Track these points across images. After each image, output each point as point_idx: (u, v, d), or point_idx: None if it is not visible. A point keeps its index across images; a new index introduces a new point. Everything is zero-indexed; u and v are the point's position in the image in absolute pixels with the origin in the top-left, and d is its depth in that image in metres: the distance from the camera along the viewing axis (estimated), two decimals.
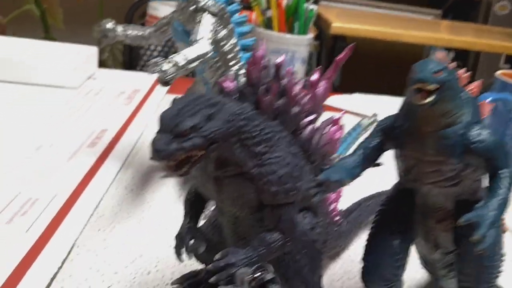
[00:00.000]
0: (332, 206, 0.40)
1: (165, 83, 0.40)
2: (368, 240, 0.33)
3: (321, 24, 1.49)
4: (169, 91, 0.88)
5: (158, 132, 0.24)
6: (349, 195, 0.50)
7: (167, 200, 0.53)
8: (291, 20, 0.93)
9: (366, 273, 0.32)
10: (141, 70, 1.20)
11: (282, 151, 0.28)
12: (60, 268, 0.40)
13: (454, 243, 0.31)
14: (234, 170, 0.27)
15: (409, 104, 0.28)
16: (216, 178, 0.28)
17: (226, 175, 0.28)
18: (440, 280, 0.39)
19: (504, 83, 0.63)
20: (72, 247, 0.42)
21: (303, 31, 0.94)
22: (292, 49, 0.92)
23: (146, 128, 0.71)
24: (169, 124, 0.24)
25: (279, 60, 0.30)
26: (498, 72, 0.66)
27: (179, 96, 0.26)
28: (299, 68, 0.94)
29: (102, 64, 0.94)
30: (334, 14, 1.61)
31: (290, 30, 0.93)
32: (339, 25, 1.45)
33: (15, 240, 0.42)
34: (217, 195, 0.29)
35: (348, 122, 0.66)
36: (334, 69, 0.33)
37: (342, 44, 1.57)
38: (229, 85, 0.29)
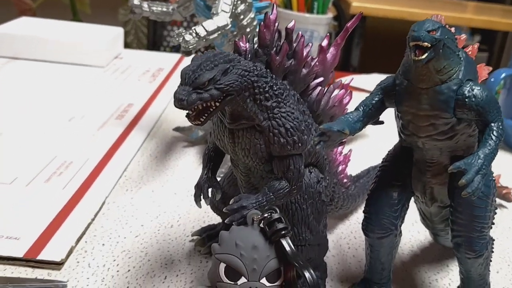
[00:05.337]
0: (340, 168, 0.43)
1: (187, 53, 0.43)
2: (369, 193, 0.35)
3: (340, 4, 1.48)
4: None
5: (180, 85, 0.27)
6: (359, 164, 0.53)
7: (188, 167, 0.57)
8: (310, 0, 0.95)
9: (366, 223, 0.35)
10: (164, 51, 1.24)
11: (290, 107, 0.31)
12: (93, 220, 0.44)
13: (449, 196, 0.34)
14: (246, 123, 0.30)
15: (407, 62, 0.30)
16: (231, 131, 0.31)
17: (240, 128, 0.31)
18: (438, 236, 0.42)
19: None
20: (103, 204, 0.47)
21: (322, 11, 0.96)
22: (311, 29, 0.94)
23: (169, 103, 0.75)
24: (190, 77, 0.27)
25: (290, 24, 0.33)
26: None
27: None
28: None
29: (127, 46, 0.98)
30: None
31: (309, 10, 0.95)
32: (358, 4, 1.44)
33: (53, 196, 0.47)
34: (232, 147, 0.32)
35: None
36: (344, 36, 0.36)
37: (362, 24, 1.57)
38: (244, 45, 0.32)
